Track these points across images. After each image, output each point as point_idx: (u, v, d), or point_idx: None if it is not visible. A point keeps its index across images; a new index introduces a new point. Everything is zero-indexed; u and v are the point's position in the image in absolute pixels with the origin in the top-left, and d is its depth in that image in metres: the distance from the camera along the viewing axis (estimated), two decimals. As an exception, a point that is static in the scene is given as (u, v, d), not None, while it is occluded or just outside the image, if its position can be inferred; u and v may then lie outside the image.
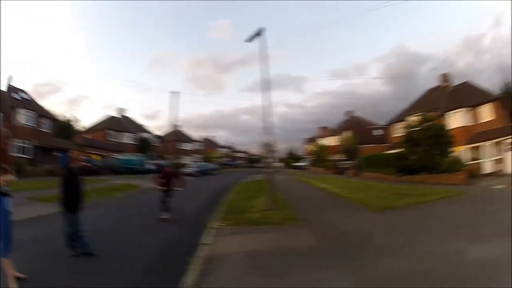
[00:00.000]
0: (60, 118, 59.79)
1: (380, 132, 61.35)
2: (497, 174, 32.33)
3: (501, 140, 33.93)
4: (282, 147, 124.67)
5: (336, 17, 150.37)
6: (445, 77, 48.39)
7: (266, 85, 16.90)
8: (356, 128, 67.15)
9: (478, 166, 34.80)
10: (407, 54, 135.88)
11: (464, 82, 45.93)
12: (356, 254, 8.12)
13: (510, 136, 32.52)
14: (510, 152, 32.81)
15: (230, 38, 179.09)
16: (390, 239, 9.67)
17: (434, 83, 51.11)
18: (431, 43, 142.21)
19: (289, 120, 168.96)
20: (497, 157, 34.36)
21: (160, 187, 13.90)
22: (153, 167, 48.51)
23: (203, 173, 54.07)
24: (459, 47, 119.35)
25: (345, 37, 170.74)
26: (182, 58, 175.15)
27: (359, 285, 6.26)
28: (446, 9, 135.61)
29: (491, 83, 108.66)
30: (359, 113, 79.45)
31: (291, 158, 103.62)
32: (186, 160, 78.68)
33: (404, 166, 31.44)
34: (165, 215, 13.44)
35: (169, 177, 14.06)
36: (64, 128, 56.74)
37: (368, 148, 56.92)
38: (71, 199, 8.15)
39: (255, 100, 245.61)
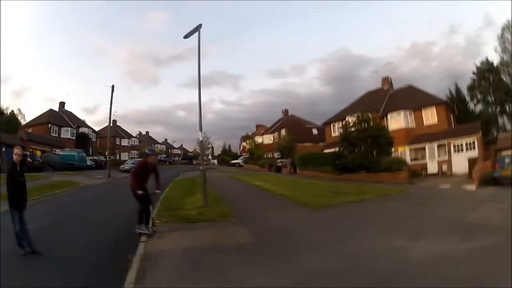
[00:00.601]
0: (4, 111, 56.82)
1: (316, 131, 61.97)
2: (440, 174, 33.85)
3: (447, 142, 35.44)
4: (217, 144, 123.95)
5: (279, 16, 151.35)
6: (385, 80, 49.92)
7: (202, 82, 16.18)
8: (293, 127, 67.58)
9: (421, 167, 35.93)
10: (350, 56, 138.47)
11: (407, 86, 47.70)
12: (289, 251, 8.30)
13: (455, 138, 34.48)
14: (456, 154, 34.56)
15: (169, 33, 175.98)
16: (325, 236, 9.91)
17: (374, 85, 52.77)
18: (378, 47, 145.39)
19: (226, 118, 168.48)
20: (443, 159, 35.75)
21: (138, 192, 10.03)
22: (92, 163, 48.42)
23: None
24: (406, 52, 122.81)
25: (287, 37, 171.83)
26: (120, 51, 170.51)
27: (291, 280, 6.38)
28: (399, 15, 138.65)
29: (437, 88, 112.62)
30: (296, 113, 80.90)
31: (227, 155, 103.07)
32: (123, 156, 77.66)
33: (340, 165, 31.74)
34: (144, 230, 9.95)
35: (147, 172, 10.49)
36: (8, 122, 54.67)
37: (304, 147, 57.27)
38: (18, 197, 8.01)
39: (192, 96, 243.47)
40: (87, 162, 49.82)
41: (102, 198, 20.67)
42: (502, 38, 53.32)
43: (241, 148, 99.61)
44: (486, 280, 6.24)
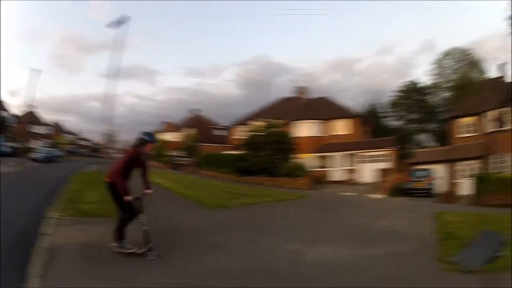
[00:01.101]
0: None
1: (222, 132, 62.30)
2: (347, 183, 35.32)
3: (354, 153, 37.80)
4: (125, 138, 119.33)
5: (207, 18, 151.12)
6: (301, 90, 51.17)
7: (115, 73, 14.89)
8: (199, 126, 67.35)
9: (324, 174, 37.46)
10: (270, 63, 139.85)
11: (322, 97, 49.28)
12: (184, 250, 8.22)
13: (364, 150, 37.36)
14: (364, 164, 37.03)
15: (99, 20, 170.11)
16: (220, 236, 9.85)
17: (289, 93, 53.65)
18: (303, 59, 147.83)
19: (137, 112, 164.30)
20: (348, 168, 37.94)
21: (128, 198, 7.29)
22: (8, 149, 46.28)
23: (49, 159, 50.26)
24: (329, 65, 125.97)
25: (213, 38, 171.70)
26: (51, 34, 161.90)
27: (183, 280, 6.33)
28: (331, 29, 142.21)
29: (356, 102, 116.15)
30: (208, 113, 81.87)
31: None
32: (35, 144, 71.84)
33: (243, 168, 31.66)
34: (131, 248, 7.32)
35: (135, 166, 7.78)
36: None
37: (209, 147, 57.36)
38: None
39: (108, 87, 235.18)
40: (2, 148, 46.27)
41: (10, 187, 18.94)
42: (440, 63, 57.82)
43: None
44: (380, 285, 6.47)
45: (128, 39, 59.73)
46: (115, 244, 7.29)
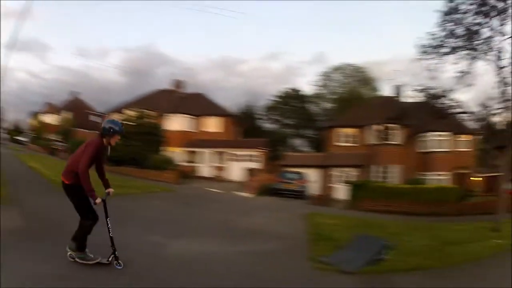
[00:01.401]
0: None
1: (99, 119, 60.62)
2: (215, 179, 35.45)
3: (224, 151, 38.44)
4: (13, 117, 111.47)
5: None
6: (177, 83, 50.74)
7: (11, 45, 14.82)
8: (76, 111, 64.82)
9: (193, 169, 37.60)
10: (156, 53, 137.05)
11: (198, 93, 49.46)
12: (55, 239, 7.69)
13: (234, 149, 38.15)
14: (234, 162, 37.77)
15: None
16: None
17: (167, 86, 52.77)
18: (189, 53, 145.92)
19: (29, 90, 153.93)
20: (218, 165, 38.45)
21: (97, 200, 6.36)
22: None
23: None
24: (213, 62, 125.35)
25: (109, 18, 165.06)
26: None
27: (53, 270, 5.96)
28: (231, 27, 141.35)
29: (232, 102, 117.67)
30: (88, 98, 78.00)
31: (15, 131, 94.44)
32: None
33: (113, 157, 31.59)
34: (98, 258, 6.46)
35: (95, 160, 6.50)
36: None
37: (85, 133, 55.07)
38: None
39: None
40: None
41: None
42: (326, 75, 62.26)
43: (29, 124, 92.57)
44: (249, 285, 6.49)
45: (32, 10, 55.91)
46: (77, 254, 6.35)
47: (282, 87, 65.17)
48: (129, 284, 5.83)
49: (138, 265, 6.68)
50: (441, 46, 16.93)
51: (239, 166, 37.40)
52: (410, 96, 18.54)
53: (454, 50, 16.87)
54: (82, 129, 58.17)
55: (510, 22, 15.91)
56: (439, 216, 20.97)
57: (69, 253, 6.37)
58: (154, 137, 32.41)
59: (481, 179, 38.71)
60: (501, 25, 15.98)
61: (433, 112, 17.92)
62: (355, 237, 9.92)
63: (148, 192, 19.18)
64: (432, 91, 17.17)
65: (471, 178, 36.57)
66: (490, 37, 16.34)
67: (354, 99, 52.79)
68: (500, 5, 15.64)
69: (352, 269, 7.57)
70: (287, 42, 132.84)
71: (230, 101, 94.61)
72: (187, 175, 33.54)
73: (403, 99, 33.35)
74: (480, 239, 12.92)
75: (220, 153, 39.13)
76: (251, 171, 34.19)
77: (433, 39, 16.93)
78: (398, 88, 38.66)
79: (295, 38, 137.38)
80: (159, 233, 9.51)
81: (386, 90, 61.20)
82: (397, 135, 29.84)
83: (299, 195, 27.13)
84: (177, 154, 38.51)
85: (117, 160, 30.82)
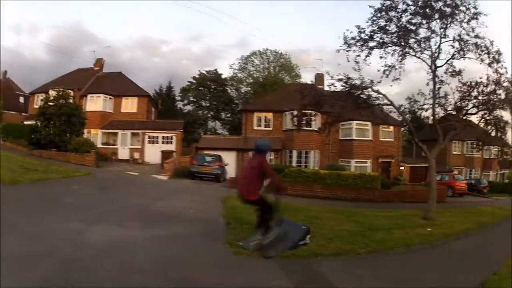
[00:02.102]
0: None
1: (23, 100, 57.36)
2: (134, 162, 35.07)
3: (142, 132, 37.65)
4: None
5: None
6: (98, 62, 48.26)
7: None
8: (5, 92, 61.01)
9: (112, 151, 36.58)
10: (83, 31, 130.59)
11: (117, 73, 47.57)
12: None
13: (152, 130, 37.31)
14: (151, 145, 37.28)
15: None
16: (11, 216, 8.93)
17: (90, 64, 50.13)
18: (114, 31, 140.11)
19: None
20: (136, 147, 37.59)
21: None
22: None
23: None
24: (134, 42, 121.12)
25: None
26: None
27: None
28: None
29: (152, 82, 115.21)
30: (17, 77, 73.44)
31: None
32: None
33: (35, 140, 30.10)
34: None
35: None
36: None
37: (13, 116, 52.12)
38: None
39: None
40: None
41: None
42: (247, 59, 62.47)
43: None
44: (169, 269, 6.44)
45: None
46: (265, 237, 7.81)
47: (202, 70, 64.14)
48: (52, 271, 5.72)
49: (61, 252, 6.58)
50: (368, 40, 17.46)
51: (156, 149, 36.76)
52: (331, 85, 18.91)
53: (382, 45, 17.50)
54: (12, 112, 54.58)
55: (456, 26, 16.69)
56: (362, 202, 21.56)
57: (256, 242, 7.67)
58: (74, 118, 30.77)
59: (404, 168, 40.61)
60: (443, 28, 16.90)
61: (354, 102, 18.38)
62: (275, 222, 9.44)
63: (69, 177, 18.60)
64: (353, 82, 17.67)
65: (399, 168, 38.47)
66: (427, 37, 17.23)
67: (272, 84, 53.88)
68: (447, 10, 16.44)
69: (272, 253, 7.63)
70: (211, 25, 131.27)
71: (150, 82, 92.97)
72: (106, 157, 33.03)
73: (322, 87, 34.29)
74: (409, 226, 13.47)
75: (138, 135, 38.35)
76: (168, 154, 33.73)
77: (361, 32, 17.40)
78: (319, 77, 39.48)
79: (220, 21, 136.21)
80: (79, 220, 9.27)
81: (307, 78, 63.67)
82: (316, 122, 29.99)
83: (215, 178, 27.12)
84: (96, 136, 37.43)
85: (40, 143, 29.78)
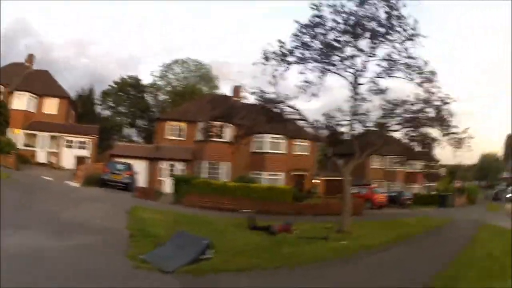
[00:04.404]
0: None
1: None
2: (50, 166, 33.85)
3: (59, 136, 36.46)
4: None
5: None
6: (30, 58, 46.07)
7: None
8: None
9: (31, 153, 35.23)
10: (26, 28, 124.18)
11: (45, 71, 45.64)
12: None
13: (71, 135, 36.28)
14: (67, 149, 36.21)
15: None
16: None
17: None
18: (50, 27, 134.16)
19: None
20: (53, 150, 36.25)
21: None
22: None
23: None
24: (67, 40, 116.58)
25: None
26: None
27: None
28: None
29: (74, 84, 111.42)
30: None
31: None
32: None
33: None
34: None
35: None
36: None
37: None
38: None
39: None
40: None
41: None
42: (168, 67, 62.32)
43: None
44: (70, 279, 6.47)
45: None
46: None
47: (125, 74, 63.13)
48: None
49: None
50: (287, 55, 17.78)
51: (71, 153, 36.26)
52: (246, 97, 19.12)
53: (302, 61, 17.97)
54: None
55: (387, 46, 17.19)
56: (272, 215, 21.18)
57: None
58: (0, 116, 29.53)
59: (319, 182, 41.45)
60: (373, 47, 17.39)
61: (267, 115, 18.86)
62: (175, 235, 10.01)
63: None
64: (268, 96, 17.98)
65: (312, 181, 39.11)
66: (352, 55, 17.68)
67: (188, 93, 53.98)
68: (381, 30, 16.92)
69: (170, 268, 7.70)
70: (139, 29, 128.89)
71: (75, 84, 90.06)
72: (26, 160, 31.65)
73: (236, 99, 34.70)
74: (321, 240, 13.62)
75: (56, 138, 37.06)
76: (81, 159, 33.64)
77: (281, 47, 17.66)
78: (235, 89, 39.04)
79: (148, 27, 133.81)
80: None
81: (225, 90, 64.32)
82: (227, 133, 30.08)
83: (126, 186, 26.92)
84: (17, 136, 35.39)
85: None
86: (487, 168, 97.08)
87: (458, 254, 12.50)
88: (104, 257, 8.36)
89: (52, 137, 36.82)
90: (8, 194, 15.15)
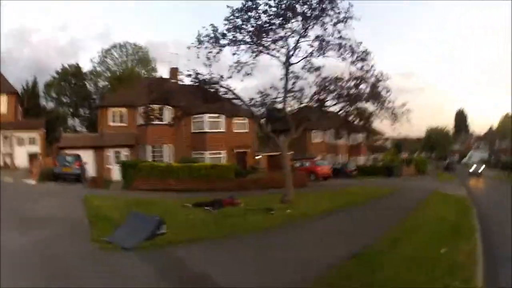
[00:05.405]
0: None
1: None
2: (6, 167, 33.77)
3: (11, 135, 36.16)
4: None
5: None
6: None
7: None
8: None
9: None
10: None
11: None
12: None
13: (19, 131, 36.05)
14: (19, 147, 36.13)
15: None
16: None
17: None
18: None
19: None
20: (8, 151, 36.07)
21: None
22: None
23: None
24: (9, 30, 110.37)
25: None
26: None
27: None
28: None
29: (18, 76, 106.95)
30: None
31: None
32: None
33: None
34: None
35: None
36: None
37: None
38: None
39: None
40: None
41: None
42: (107, 52, 60.81)
43: None
44: (43, 268, 6.94)
45: None
46: None
47: (65, 62, 61.64)
48: None
49: None
50: (220, 38, 18.66)
51: (23, 151, 36.13)
52: (182, 79, 19.72)
53: (235, 43, 18.91)
54: None
55: (318, 27, 18.33)
56: (217, 192, 21.62)
57: None
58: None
59: (262, 158, 42.02)
60: (305, 29, 18.49)
61: (203, 96, 19.86)
62: (129, 216, 10.73)
63: None
64: (203, 77, 18.79)
65: (254, 157, 40.05)
66: (284, 37, 18.79)
67: (127, 78, 52.84)
68: (313, 13, 17.89)
69: (130, 245, 8.58)
70: (76, 13, 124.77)
71: (19, 77, 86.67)
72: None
73: (172, 81, 34.72)
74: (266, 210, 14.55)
75: (7, 138, 36.42)
76: (33, 156, 33.69)
77: (214, 31, 18.52)
78: (172, 71, 39.05)
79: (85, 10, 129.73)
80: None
81: (163, 72, 62.50)
82: (167, 116, 30.76)
83: (77, 178, 27.55)
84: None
85: None
86: (435, 141, 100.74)
87: (406, 219, 13.46)
88: (70, 244, 8.97)
89: (5, 137, 36.12)
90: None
